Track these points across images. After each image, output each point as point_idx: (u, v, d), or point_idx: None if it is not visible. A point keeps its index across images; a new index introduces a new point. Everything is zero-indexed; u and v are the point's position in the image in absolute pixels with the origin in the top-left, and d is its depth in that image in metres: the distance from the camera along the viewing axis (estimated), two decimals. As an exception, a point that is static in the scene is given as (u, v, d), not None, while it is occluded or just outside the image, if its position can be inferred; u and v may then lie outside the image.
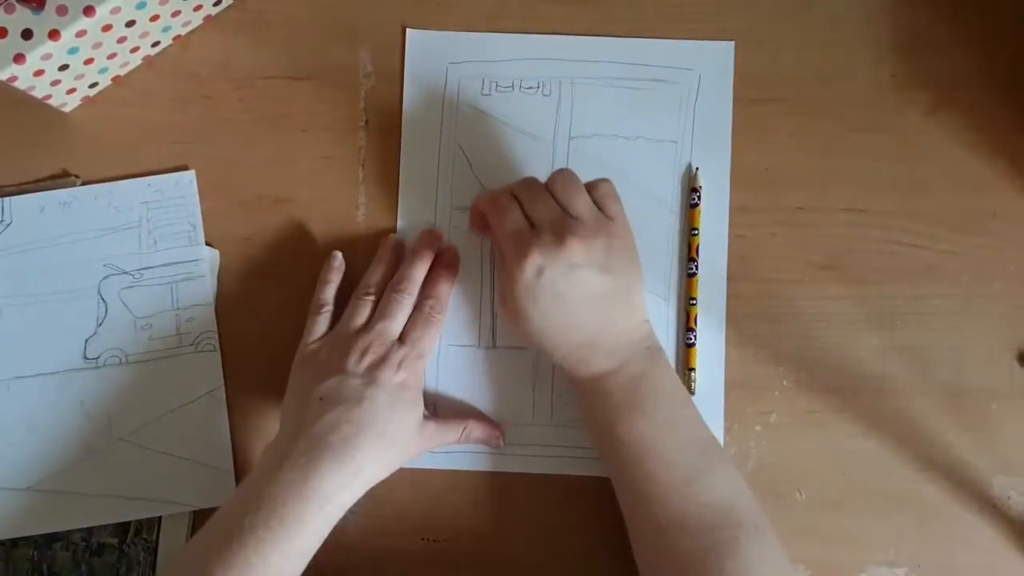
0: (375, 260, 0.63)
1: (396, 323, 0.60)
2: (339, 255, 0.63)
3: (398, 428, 0.57)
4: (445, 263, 0.63)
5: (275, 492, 0.53)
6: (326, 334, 0.61)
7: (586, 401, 0.59)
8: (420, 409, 0.59)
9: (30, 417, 0.62)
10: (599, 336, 0.56)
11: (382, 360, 0.58)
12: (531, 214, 0.57)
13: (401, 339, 0.59)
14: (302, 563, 0.54)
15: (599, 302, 0.56)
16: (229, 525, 0.53)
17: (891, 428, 0.62)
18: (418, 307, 0.61)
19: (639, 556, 0.56)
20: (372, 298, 0.61)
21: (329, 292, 0.62)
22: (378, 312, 0.60)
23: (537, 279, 0.55)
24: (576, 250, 0.55)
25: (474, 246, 0.64)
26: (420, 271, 0.62)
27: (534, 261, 0.55)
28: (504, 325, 0.63)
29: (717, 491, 0.54)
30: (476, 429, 0.61)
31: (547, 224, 0.56)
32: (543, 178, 0.59)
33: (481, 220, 0.61)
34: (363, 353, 0.58)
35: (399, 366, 0.58)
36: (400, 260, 0.63)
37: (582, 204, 0.57)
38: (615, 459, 0.57)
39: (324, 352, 0.59)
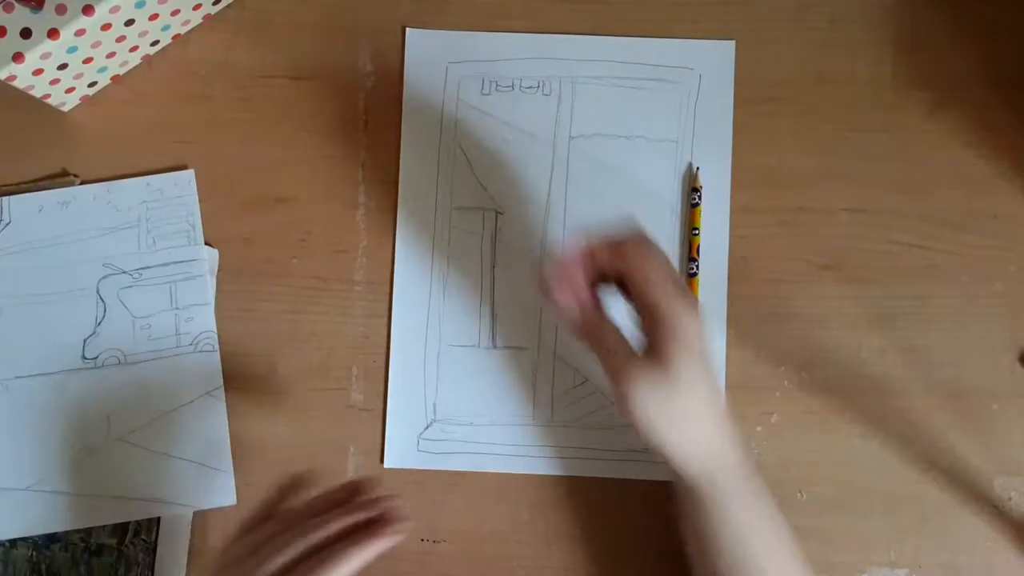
0: (323, 492, 0.53)
1: (270, 567, 0.49)
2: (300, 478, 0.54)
3: None
4: (379, 528, 0.49)
5: None
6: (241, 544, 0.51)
7: (715, 515, 0.54)
8: None
9: (29, 417, 0.62)
10: (721, 447, 0.53)
11: None
12: None
13: None
14: None
15: (718, 412, 0.53)
16: None
17: (892, 428, 0.62)
18: (308, 558, 0.49)
19: None
20: (277, 528, 0.51)
21: (274, 507, 0.53)
22: (260, 551, 0.49)
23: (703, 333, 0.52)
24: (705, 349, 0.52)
25: (474, 246, 0.64)
26: (339, 522, 0.50)
27: (696, 311, 0.52)
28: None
29: None
30: None
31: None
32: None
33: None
34: None
35: None
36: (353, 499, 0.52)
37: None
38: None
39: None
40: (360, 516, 0.50)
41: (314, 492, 0.53)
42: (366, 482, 0.53)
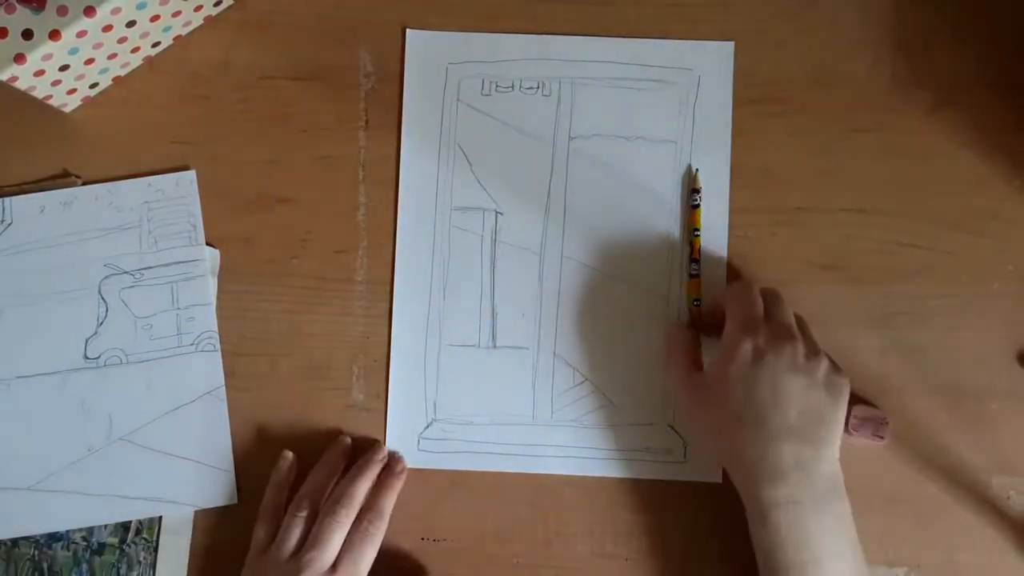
0: (320, 464, 0.61)
1: (329, 551, 0.57)
2: (290, 455, 0.61)
3: None
4: (391, 472, 0.61)
5: None
6: (268, 547, 0.58)
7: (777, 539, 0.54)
8: None
9: (31, 417, 0.62)
10: (796, 447, 0.54)
11: None
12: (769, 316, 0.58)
13: (335, 565, 0.57)
14: None
15: (806, 413, 0.55)
16: None
17: (890, 428, 0.62)
18: (356, 523, 0.58)
19: None
20: (305, 514, 0.58)
21: (277, 495, 0.60)
22: (310, 539, 0.57)
23: (756, 361, 0.55)
24: (801, 354, 0.56)
25: (474, 246, 0.64)
26: (362, 487, 0.59)
27: (756, 342, 0.56)
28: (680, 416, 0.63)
29: None
30: None
31: (783, 328, 0.57)
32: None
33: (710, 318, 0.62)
34: None
35: None
36: (348, 464, 0.61)
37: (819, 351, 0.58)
38: None
39: None
40: (374, 473, 0.60)
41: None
42: (346, 441, 0.62)
